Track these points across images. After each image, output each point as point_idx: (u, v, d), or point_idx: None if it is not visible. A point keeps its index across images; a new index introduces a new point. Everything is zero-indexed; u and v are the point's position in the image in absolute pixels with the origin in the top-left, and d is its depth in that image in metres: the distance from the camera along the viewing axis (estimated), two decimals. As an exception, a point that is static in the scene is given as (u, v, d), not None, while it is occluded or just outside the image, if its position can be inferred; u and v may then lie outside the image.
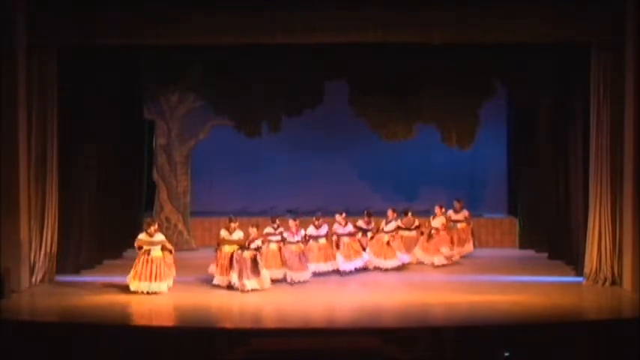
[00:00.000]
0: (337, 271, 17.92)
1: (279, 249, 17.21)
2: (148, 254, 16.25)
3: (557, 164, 19.13)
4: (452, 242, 19.38)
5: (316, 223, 18.05)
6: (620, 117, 16.41)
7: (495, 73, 19.43)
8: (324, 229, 18.08)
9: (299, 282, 17.00)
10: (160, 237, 16.51)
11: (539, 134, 19.98)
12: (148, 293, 15.95)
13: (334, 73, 19.47)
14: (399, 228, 18.82)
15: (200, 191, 21.77)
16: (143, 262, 16.17)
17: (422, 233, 19.18)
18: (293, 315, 14.98)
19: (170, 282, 16.32)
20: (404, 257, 18.57)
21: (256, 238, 16.64)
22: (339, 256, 17.97)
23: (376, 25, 16.53)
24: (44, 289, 16.69)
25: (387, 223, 18.72)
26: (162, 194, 20.89)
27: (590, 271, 16.73)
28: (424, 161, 21.86)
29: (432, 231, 19.06)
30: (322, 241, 18.00)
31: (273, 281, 16.78)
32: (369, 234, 18.67)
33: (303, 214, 19.56)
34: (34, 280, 16.75)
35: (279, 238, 17.30)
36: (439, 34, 16.53)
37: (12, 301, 15.52)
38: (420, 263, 19.00)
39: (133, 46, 17.30)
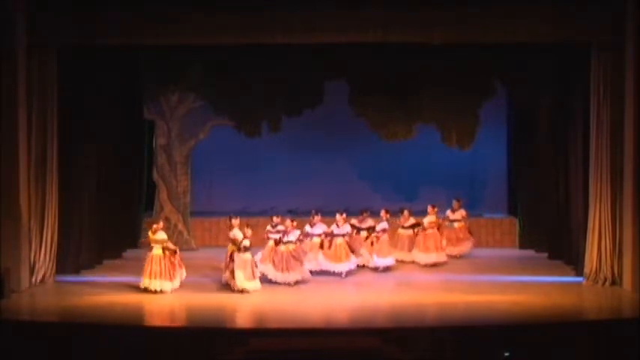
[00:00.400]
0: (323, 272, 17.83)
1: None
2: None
3: (557, 164, 19.13)
4: (447, 241, 19.41)
5: (312, 221, 18.03)
6: (620, 117, 16.41)
7: (495, 73, 19.43)
8: (319, 228, 18.04)
9: (285, 283, 16.87)
10: (162, 235, 16.50)
11: (539, 134, 19.97)
12: (155, 292, 16.06)
13: (334, 73, 19.47)
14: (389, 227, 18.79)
15: (200, 191, 21.77)
16: (150, 261, 16.26)
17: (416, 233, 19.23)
18: (293, 315, 14.99)
19: (176, 283, 16.33)
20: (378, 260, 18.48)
21: (247, 238, 16.61)
22: (321, 256, 17.88)
23: (376, 25, 16.53)
24: (44, 289, 16.69)
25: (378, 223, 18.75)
26: (162, 194, 20.89)
27: (590, 271, 16.73)
28: (424, 161, 21.86)
29: (419, 229, 19.10)
30: (316, 240, 17.97)
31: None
32: (364, 233, 18.62)
33: (303, 214, 19.58)
34: (34, 280, 16.75)
35: (277, 236, 17.26)
36: (439, 34, 16.53)
37: (12, 301, 15.52)
38: (412, 262, 19.05)
39: (133, 46, 17.31)
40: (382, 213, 18.66)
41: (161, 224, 16.83)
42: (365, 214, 18.89)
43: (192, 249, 20.54)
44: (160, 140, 20.91)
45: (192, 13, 16.45)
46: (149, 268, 16.26)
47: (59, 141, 17.12)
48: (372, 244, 18.40)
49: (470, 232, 20.02)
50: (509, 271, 18.23)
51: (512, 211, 21.74)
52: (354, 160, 22.02)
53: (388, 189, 21.57)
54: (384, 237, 18.46)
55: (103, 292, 16.36)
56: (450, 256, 19.47)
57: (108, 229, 19.22)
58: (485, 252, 20.53)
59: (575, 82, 17.72)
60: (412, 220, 19.34)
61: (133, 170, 20.66)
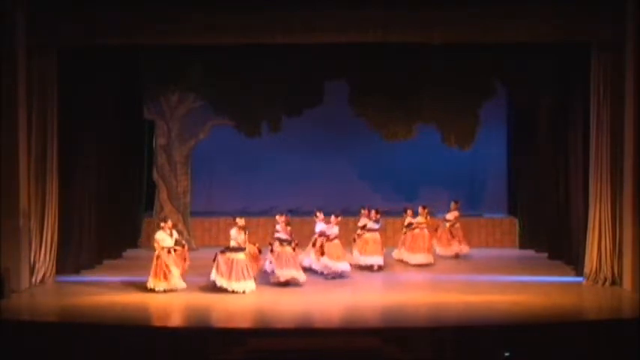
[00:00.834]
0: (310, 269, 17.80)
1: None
2: (169, 252, 16.37)
3: (557, 164, 19.13)
4: (438, 242, 19.45)
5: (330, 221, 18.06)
6: (620, 117, 16.41)
7: (495, 73, 19.44)
8: (335, 229, 18.09)
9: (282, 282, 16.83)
10: (175, 235, 16.65)
11: (539, 134, 19.98)
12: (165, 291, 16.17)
13: (334, 73, 19.49)
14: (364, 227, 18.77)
15: (200, 191, 21.77)
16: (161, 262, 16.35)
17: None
18: (292, 315, 14.99)
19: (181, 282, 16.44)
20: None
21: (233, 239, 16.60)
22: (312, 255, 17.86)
23: (376, 25, 16.53)
24: (44, 289, 16.70)
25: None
26: (162, 194, 20.89)
27: (590, 271, 16.73)
28: (424, 161, 21.86)
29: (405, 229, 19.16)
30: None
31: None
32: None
33: (304, 214, 19.58)
34: (34, 280, 16.75)
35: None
36: (439, 34, 16.53)
37: (12, 301, 15.52)
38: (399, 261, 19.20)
39: (133, 46, 17.30)
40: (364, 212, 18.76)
41: (170, 223, 16.75)
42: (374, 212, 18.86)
43: (192, 249, 20.46)
44: (160, 140, 20.91)
45: (192, 13, 16.45)
46: (160, 270, 16.21)
47: (59, 141, 17.12)
48: (354, 240, 18.49)
49: (462, 234, 19.95)
50: (509, 271, 18.24)
51: (512, 211, 21.75)
52: (354, 160, 22.03)
53: (388, 189, 21.59)
54: (368, 235, 18.48)
55: (103, 292, 16.35)
56: (444, 257, 19.55)
57: (108, 229, 19.22)
58: (485, 252, 20.55)
59: (575, 82, 17.72)
60: (408, 220, 19.39)
61: (133, 170, 20.67)
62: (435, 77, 19.39)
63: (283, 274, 16.76)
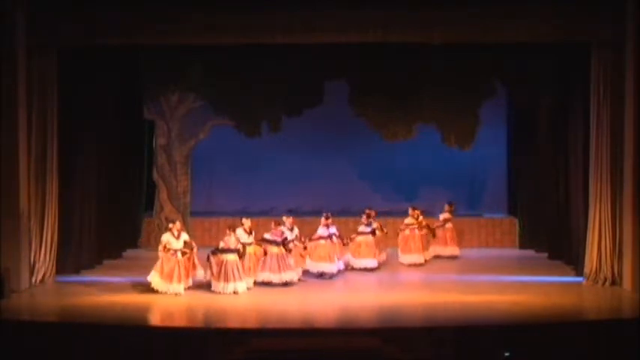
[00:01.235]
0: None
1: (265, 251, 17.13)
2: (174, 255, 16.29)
3: (557, 164, 19.13)
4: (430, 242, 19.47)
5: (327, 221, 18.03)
6: (620, 117, 16.41)
7: (495, 73, 19.43)
8: (332, 228, 18.06)
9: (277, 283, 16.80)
10: (184, 237, 16.51)
11: (539, 134, 19.98)
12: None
13: (334, 73, 19.49)
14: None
15: (200, 191, 21.77)
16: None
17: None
18: (292, 315, 15.00)
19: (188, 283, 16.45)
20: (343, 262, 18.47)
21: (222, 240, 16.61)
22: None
23: (376, 25, 16.53)
24: (44, 289, 16.70)
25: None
26: (162, 194, 20.89)
27: (590, 271, 16.73)
28: (424, 161, 21.84)
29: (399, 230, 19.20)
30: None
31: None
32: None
33: (303, 214, 19.57)
34: (34, 280, 16.74)
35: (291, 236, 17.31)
36: (439, 34, 16.53)
37: (12, 301, 15.52)
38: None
39: (133, 46, 17.30)
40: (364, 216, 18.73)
41: (178, 224, 16.70)
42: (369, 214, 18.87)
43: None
44: (159, 140, 20.91)
45: (192, 13, 16.45)
46: (168, 269, 16.15)
47: (59, 141, 17.12)
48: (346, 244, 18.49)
49: (452, 235, 19.90)
50: (509, 271, 18.24)
51: (512, 211, 21.74)
52: (354, 160, 22.02)
53: (388, 189, 21.58)
54: (360, 239, 18.47)
55: (103, 292, 16.35)
56: (439, 257, 19.59)
57: (108, 229, 19.22)
58: (485, 252, 20.55)
59: (575, 82, 17.72)
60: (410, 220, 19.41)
61: (133, 170, 20.67)
62: (435, 77, 19.39)
63: (261, 275, 16.82)
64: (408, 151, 21.37)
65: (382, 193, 21.47)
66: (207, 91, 20.08)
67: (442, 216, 19.97)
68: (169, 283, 16.07)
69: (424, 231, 19.34)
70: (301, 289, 16.74)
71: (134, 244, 20.78)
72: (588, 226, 16.83)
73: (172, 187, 20.87)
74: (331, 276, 17.65)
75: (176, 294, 16.02)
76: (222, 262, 16.32)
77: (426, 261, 19.18)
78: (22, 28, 16.36)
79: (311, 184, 21.63)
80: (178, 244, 16.28)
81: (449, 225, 19.89)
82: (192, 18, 16.46)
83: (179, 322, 15.13)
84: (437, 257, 19.65)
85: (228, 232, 16.63)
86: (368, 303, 15.81)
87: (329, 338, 13.71)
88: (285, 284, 16.78)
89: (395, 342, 13.46)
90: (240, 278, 16.34)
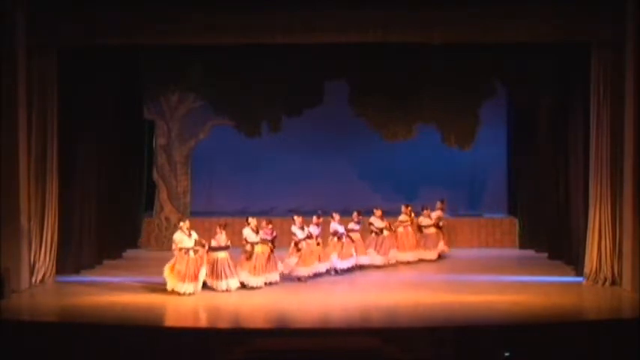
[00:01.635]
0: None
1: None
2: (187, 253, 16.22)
3: (557, 164, 19.13)
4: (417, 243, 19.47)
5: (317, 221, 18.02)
6: (620, 117, 16.41)
7: (495, 73, 19.45)
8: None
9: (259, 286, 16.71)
10: (194, 235, 16.46)
11: (539, 134, 19.98)
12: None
13: (334, 73, 19.51)
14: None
15: (200, 191, 21.77)
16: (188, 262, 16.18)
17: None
18: (293, 315, 15.00)
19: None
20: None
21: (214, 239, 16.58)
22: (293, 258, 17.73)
23: (376, 25, 16.53)
24: (44, 289, 16.70)
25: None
26: (162, 194, 20.90)
27: (590, 271, 16.73)
28: (424, 161, 21.85)
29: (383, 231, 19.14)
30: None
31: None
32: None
33: (304, 214, 19.55)
34: (34, 280, 16.74)
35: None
36: (439, 34, 16.53)
37: (12, 301, 15.52)
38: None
39: (133, 46, 17.30)
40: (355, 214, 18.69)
41: (187, 223, 16.62)
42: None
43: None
44: (159, 140, 20.92)
45: (192, 13, 16.44)
46: (182, 268, 16.07)
47: (59, 141, 17.12)
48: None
49: (442, 234, 19.89)
50: (509, 271, 18.24)
51: (512, 211, 21.74)
52: (354, 160, 22.02)
53: (388, 189, 21.57)
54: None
55: (103, 292, 16.35)
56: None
57: (108, 229, 19.22)
58: (485, 252, 20.55)
59: (575, 82, 17.72)
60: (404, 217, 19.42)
61: (133, 170, 20.67)
62: (435, 77, 19.41)
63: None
64: (408, 151, 21.38)
65: (382, 193, 21.46)
66: (207, 91, 20.10)
67: (435, 214, 19.88)
68: (183, 282, 16.03)
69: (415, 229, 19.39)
70: (303, 289, 16.74)
71: (134, 244, 20.78)
72: (588, 226, 16.83)
73: (172, 187, 20.88)
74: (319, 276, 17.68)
75: (189, 293, 15.96)
76: (214, 260, 16.33)
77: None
78: (22, 28, 16.35)
79: (311, 184, 21.63)
80: (190, 243, 16.25)
81: (441, 223, 19.83)
82: (192, 18, 16.46)
83: (179, 322, 15.11)
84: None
85: (218, 229, 16.66)
86: (368, 303, 15.80)
87: (329, 338, 13.70)
88: (270, 284, 16.81)
89: (395, 342, 13.46)
90: (232, 275, 16.36)
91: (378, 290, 16.91)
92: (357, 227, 18.64)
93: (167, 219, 20.68)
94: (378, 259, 18.68)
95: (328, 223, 18.24)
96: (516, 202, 21.32)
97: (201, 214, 21.46)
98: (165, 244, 20.45)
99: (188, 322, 15.04)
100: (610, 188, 16.54)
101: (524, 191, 20.84)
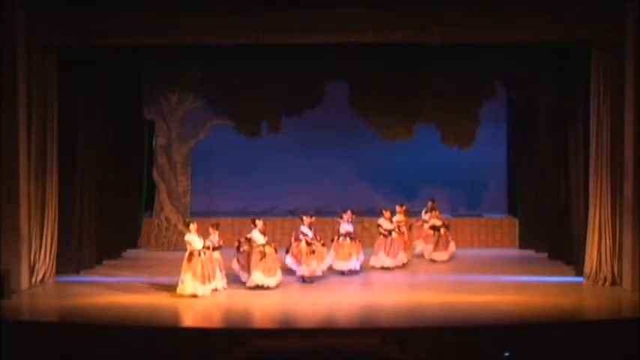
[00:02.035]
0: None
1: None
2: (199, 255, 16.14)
3: (557, 164, 19.12)
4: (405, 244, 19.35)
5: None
6: (620, 117, 16.40)
7: (495, 73, 19.43)
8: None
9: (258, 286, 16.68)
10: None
11: (539, 134, 19.97)
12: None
13: (334, 73, 19.52)
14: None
15: (200, 191, 21.76)
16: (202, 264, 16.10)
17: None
18: (293, 315, 14.99)
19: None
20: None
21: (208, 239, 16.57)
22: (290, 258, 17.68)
23: (376, 25, 16.52)
24: (44, 289, 16.70)
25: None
26: (162, 194, 20.88)
27: (590, 271, 16.73)
28: (424, 161, 21.84)
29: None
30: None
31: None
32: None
33: (303, 214, 19.53)
34: (34, 280, 16.74)
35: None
36: (439, 33, 16.52)
37: (12, 301, 15.52)
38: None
39: (133, 46, 17.30)
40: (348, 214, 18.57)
41: (196, 224, 16.54)
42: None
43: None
44: (159, 140, 20.90)
45: (192, 13, 16.44)
46: (198, 271, 16.01)
47: (59, 141, 17.11)
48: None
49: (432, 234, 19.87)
50: (509, 271, 18.23)
51: (512, 211, 21.74)
52: (354, 160, 22.02)
53: (388, 189, 21.57)
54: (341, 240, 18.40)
55: (103, 292, 16.35)
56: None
57: (108, 229, 19.22)
58: (485, 252, 20.54)
59: (575, 82, 17.72)
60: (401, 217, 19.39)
61: (133, 170, 20.66)
62: (435, 77, 19.42)
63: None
64: (408, 151, 21.36)
65: (382, 193, 21.47)
66: (207, 91, 20.10)
67: (427, 215, 19.86)
68: (203, 284, 15.92)
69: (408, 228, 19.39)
70: (302, 289, 16.74)
71: (134, 244, 20.77)
72: (588, 226, 16.83)
73: (172, 187, 20.87)
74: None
75: (204, 295, 15.89)
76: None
77: (408, 260, 19.11)
78: (22, 28, 16.35)
79: (311, 184, 21.62)
80: (200, 244, 16.20)
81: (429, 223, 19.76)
82: (192, 18, 16.46)
83: (179, 322, 15.12)
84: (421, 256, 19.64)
85: (211, 230, 16.64)
86: (368, 303, 15.80)
87: (329, 338, 13.70)
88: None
89: (395, 342, 13.47)
90: (223, 276, 16.37)
91: (377, 290, 16.91)
92: (350, 228, 18.57)
93: (167, 219, 20.67)
94: (388, 262, 18.61)
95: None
96: (516, 202, 21.31)
97: (201, 214, 21.39)
98: (165, 244, 20.47)
99: (187, 323, 15.04)
100: (610, 188, 16.54)
101: (524, 191, 20.83)
